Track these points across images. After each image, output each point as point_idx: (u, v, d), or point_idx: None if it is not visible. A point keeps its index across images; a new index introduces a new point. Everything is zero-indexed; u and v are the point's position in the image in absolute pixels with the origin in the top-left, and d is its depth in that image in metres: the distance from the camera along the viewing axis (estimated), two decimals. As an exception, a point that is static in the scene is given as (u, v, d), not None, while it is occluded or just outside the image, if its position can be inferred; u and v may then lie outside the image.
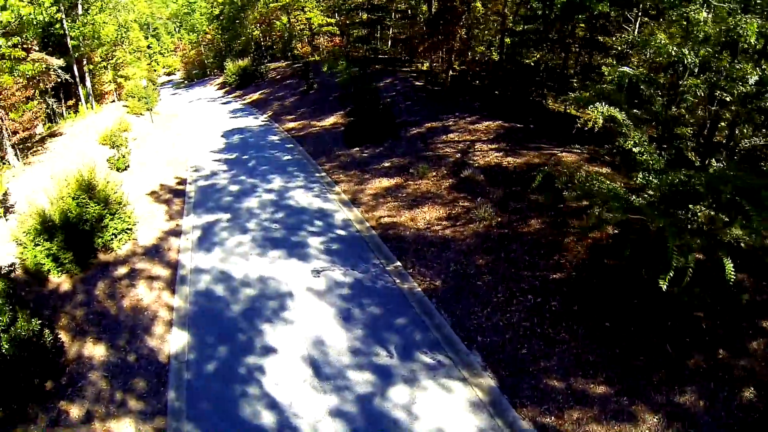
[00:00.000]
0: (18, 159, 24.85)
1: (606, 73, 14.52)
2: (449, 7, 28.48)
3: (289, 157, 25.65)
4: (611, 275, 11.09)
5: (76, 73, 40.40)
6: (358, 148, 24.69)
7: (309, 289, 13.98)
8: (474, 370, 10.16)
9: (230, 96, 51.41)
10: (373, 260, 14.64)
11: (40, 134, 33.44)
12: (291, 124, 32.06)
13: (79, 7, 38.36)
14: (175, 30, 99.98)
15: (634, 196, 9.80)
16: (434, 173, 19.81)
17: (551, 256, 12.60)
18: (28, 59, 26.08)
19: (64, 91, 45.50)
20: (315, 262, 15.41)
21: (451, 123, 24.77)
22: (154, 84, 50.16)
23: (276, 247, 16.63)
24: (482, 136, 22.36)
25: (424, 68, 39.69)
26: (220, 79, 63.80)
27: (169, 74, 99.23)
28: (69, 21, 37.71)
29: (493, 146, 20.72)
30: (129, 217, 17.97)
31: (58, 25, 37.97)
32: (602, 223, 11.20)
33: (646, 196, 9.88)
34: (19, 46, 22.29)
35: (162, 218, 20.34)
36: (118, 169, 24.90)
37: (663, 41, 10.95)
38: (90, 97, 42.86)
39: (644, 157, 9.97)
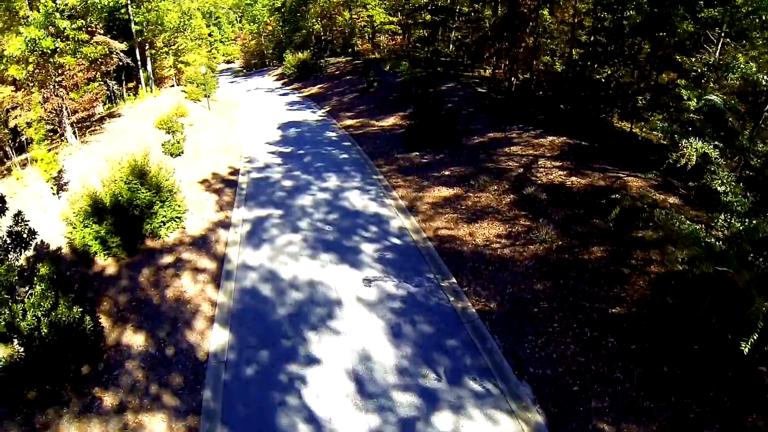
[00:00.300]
0: (76, 137, 24.64)
1: (686, 97, 13.17)
2: (516, 13, 26.73)
3: (346, 155, 24.51)
4: (673, 315, 10.48)
5: (138, 57, 40.63)
6: (417, 153, 23.34)
7: (359, 298, 13.12)
8: (523, 403, 9.53)
9: (288, 88, 50.95)
10: (427, 274, 13.90)
11: (99, 114, 33.56)
12: (349, 122, 30.96)
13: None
14: (236, 20, 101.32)
15: (716, 241, 8.85)
16: (495, 187, 18.61)
17: (611, 288, 11.90)
18: (92, 42, 25.96)
19: (126, 74, 46.04)
20: (367, 271, 14.47)
21: (514, 135, 23.27)
22: (213, 71, 50.22)
23: (328, 251, 15.70)
24: (546, 151, 20.96)
25: (487, 74, 37.99)
26: (279, 70, 63.66)
27: (228, 62, 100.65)
28: (134, 6, 37.86)
29: (557, 163, 19.48)
30: (179, 206, 17.23)
31: (123, 10, 38.23)
32: (688, 271, 10.00)
33: (729, 244, 8.92)
34: (84, 29, 21.95)
35: (212, 208, 19.60)
36: (171, 155, 24.34)
37: (751, 67, 9.70)
38: (150, 81, 43.10)
39: (728, 198, 9.27)
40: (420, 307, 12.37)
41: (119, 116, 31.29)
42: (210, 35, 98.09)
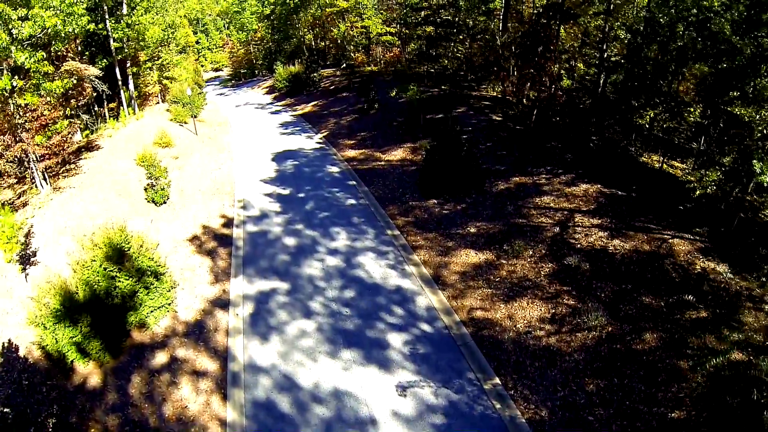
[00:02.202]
0: (47, 183, 21.69)
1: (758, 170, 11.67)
2: (539, 33, 24.11)
3: (353, 201, 21.78)
4: (733, 417, 9.34)
5: (119, 76, 37.52)
6: (435, 201, 20.72)
7: (395, 413, 11.05)
8: None
9: (280, 104, 48.05)
10: (467, 374, 12.15)
11: (78, 142, 30.56)
12: (351, 152, 28.19)
13: (124, 6, 35.35)
14: (224, 26, 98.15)
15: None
16: (531, 252, 16.44)
17: (669, 386, 11.02)
18: (61, 71, 22.96)
19: (106, 93, 42.90)
20: (399, 373, 12.20)
21: (543, 181, 20.80)
22: (200, 87, 47.16)
23: (350, 345, 13.24)
24: (581, 204, 18.77)
25: (495, 94, 35.40)
26: (269, 82, 60.69)
27: (216, 70, 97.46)
28: (112, 21, 34.76)
29: (596, 221, 17.47)
30: (168, 290, 14.41)
31: (101, 25, 35.12)
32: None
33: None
34: (49, 60, 19.00)
35: (206, 278, 16.88)
36: (155, 203, 21.45)
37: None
38: (132, 101, 40.01)
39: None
40: (465, 420, 10.82)
41: (97, 148, 28.27)
42: (197, 42, 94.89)
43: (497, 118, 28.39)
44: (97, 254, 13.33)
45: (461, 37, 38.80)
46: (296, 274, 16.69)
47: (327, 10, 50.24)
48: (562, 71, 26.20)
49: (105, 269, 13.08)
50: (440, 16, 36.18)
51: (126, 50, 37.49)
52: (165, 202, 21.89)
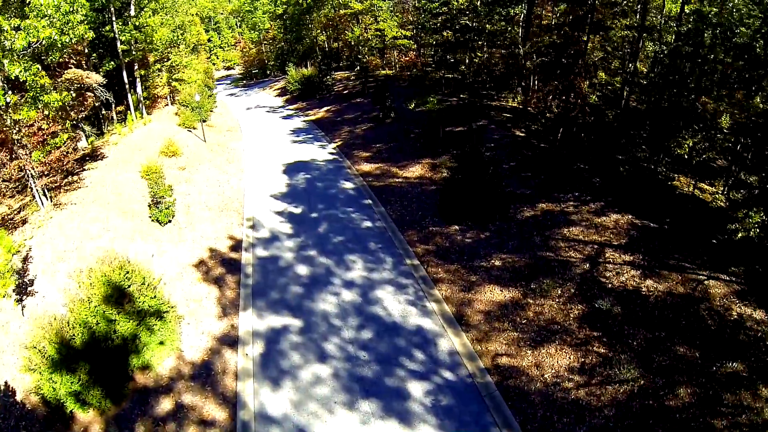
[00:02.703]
0: (47, 199, 20.53)
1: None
2: (569, 52, 22.55)
3: (369, 223, 20.46)
4: None
5: (126, 79, 36.39)
6: (457, 227, 19.37)
7: None
8: None
9: (291, 107, 46.76)
10: (492, 429, 11.19)
11: (83, 149, 29.49)
12: (366, 166, 26.82)
13: (132, 7, 34.15)
14: (236, 24, 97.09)
15: None
16: (559, 291, 15.31)
17: None
18: (62, 78, 21.76)
19: (115, 96, 41.82)
20: (421, 428, 11.21)
21: (570, 208, 19.47)
22: (210, 89, 45.94)
23: (368, 395, 12.15)
24: (612, 237, 17.52)
25: (515, 104, 33.89)
26: (281, 83, 59.45)
27: (228, 68, 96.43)
28: (119, 24, 33.59)
29: (628, 257, 16.32)
30: (173, 329, 13.17)
31: (108, 27, 34.00)
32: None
33: None
34: (50, 70, 17.80)
35: (213, 311, 15.71)
36: (160, 222, 20.22)
37: None
38: (140, 104, 38.86)
39: None
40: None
41: (102, 157, 27.13)
42: (209, 41, 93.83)
43: (520, 134, 26.94)
44: (95, 294, 12.11)
45: (480, 43, 37.24)
46: (310, 309, 15.42)
47: (341, 11, 48.82)
48: (588, 88, 24.60)
49: (103, 312, 11.84)
50: (459, 21, 34.62)
51: (134, 53, 36.36)
52: (170, 221, 20.66)
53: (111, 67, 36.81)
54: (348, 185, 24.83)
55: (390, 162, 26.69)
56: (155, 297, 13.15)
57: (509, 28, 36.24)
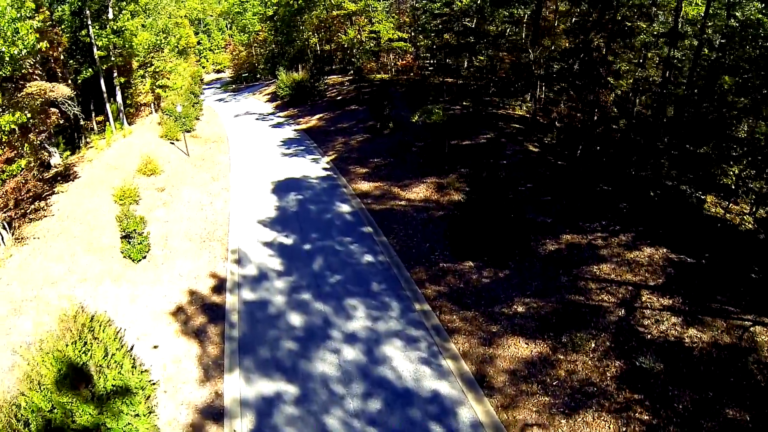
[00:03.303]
0: (8, 232, 18.07)
1: None
2: (592, 61, 20.30)
3: (370, 257, 18.12)
4: None
5: (104, 88, 33.83)
6: (471, 263, 17.07)
7: None
8: None
9: (282, 114, 44.28)
10: None
11: (56, 166, 27.08)
12: (364, 185, 24.47)
13: (110, 10, 31.58)
14: (226, 26, 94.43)
15: None
16: (593, 343, 13.27)
17: None
18: (23, 93, 19.27)
19: (95, 104, 39.23)
20: None
21: (599, 241, 17.32)
22: (196, 96, 43.37)
23: None
24: (647, 276, 15.45)
25: (522, 113, 31.64)
26: (271, 88, 56.95)
27: (218, 71, 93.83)
28: (96, 27, 31.02)
29: (666, 301, 14.41)
30: (145, 410, 10.78)
31: (84, 32, 31.43)
32: None
33: None
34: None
35: (193, 374, 13.47)
36: (133, 259, 17.78)
37: None
38: (121, 114, 36.28)
39: None
40: None
41: (74, 177, 24.64)
42: (199, 43, 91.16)
43: (534, 149, 24.68)
44: (46, 375, 9.73)
45: (484, 46, 34.96)
46: (306, 372, 13.08)
47: (334, 12, 46.38)
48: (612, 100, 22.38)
49: (52, 407, 9.45)
50: (462, 23, 32.34)
51: (113, 59, 33.77)
52: (145, 257, 18.21)
53: (89, 74, 34.27)
54: (344, 208, 22.44)
55: (390, 180, 24.32)
56: (121, 372, 10.72)
57: (516, 30, 34.01)
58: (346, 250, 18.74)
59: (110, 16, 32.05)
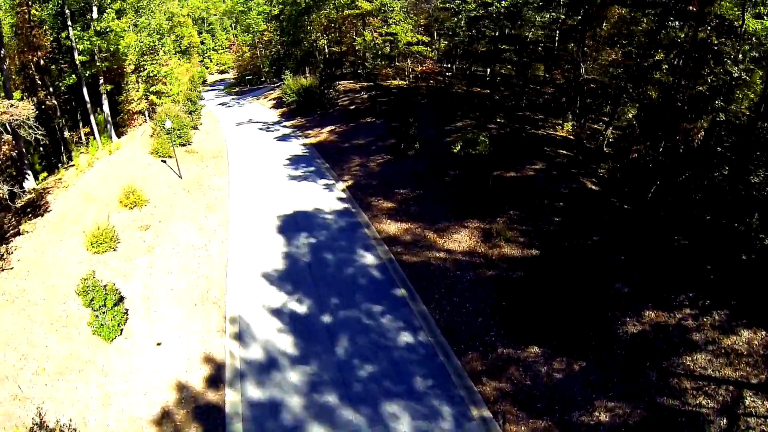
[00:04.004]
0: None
1: None
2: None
3: (408, 337, 14.20)
4: None
5: (87, 97, 29.79)
6: (537, 350, 13.32)
7: None
8: None
9: (288, 124, 40.20)
10: None
11: (30, 192, 23.21)
12: (390, 226, 20.47)
13: (94, 10, 27.51)
14: (230, 26, 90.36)
15: None
16: None
17: None
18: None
19: (82, 114, 35.14)
20: None
21: (689, 321, 13.75)
22: (194, 104, 39.25)
23: None
24: (749, 371, 12.15)
25: (565, 133, 27.58)
26: (276, 93, 52.85)
27: (222, 72, 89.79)
28: (78, 29, 26.95)
29: None
30: None
31: (64, 34, 27.40)
32: None
33: None
34: None
35: None
36: (102, 337, 13.76)
37: None
38: (108, 126, 32.18)
39: None
40: None
41: (45, 211, 20.68)
42: (202, 43, 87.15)
43: (591, 186, 20.68)
44: None
45: (521, 55, 30.91)
46: None
47: (345, 12, 42.20)
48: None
49: None
50: (499, 26, 28.30)
51: (98, 63, 29.70)
52: (121, 332, 14.18)
53: (73, 81, 30.25)
54: (369, 259, 18.40)
55: (423, 221, 20.27)
56: None
57: (554, 36, 29.95)
58: (378, 326, 14.72)
59: (94, 15, 27.94)
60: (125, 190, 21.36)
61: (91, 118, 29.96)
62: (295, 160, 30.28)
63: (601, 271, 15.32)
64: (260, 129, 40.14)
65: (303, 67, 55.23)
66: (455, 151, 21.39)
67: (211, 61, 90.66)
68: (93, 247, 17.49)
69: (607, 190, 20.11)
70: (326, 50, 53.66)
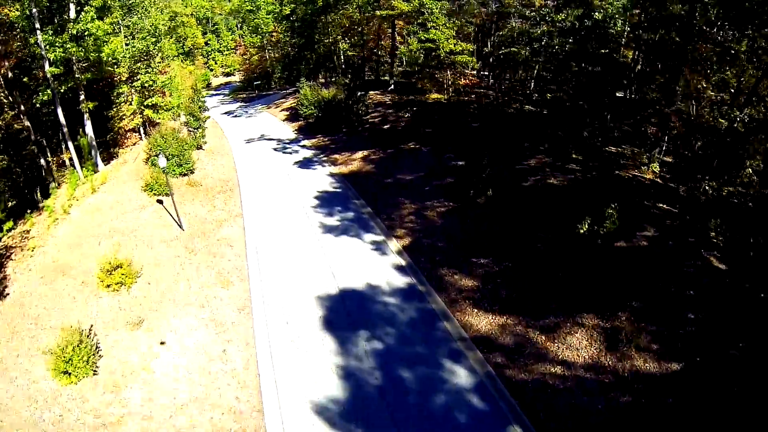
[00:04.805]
0: None
1: None
2: None
3: None
4: None
5: (62, 119, 23.63)
6: None
7: None
8: None
9: (308, 143, 34.24)
10: None
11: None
12: (479, 320, 14.73)
13: (72, 9, 21.34)
14: (236, 26, 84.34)
15: None
16: None
17: None
18: None
19: (68, 132, 28.88)
20: None
21: None
22: (196, 119, 33.08)
23: None
24: None
25: (652, 175, 21.68)
26: (289, 102, 46.86)
27: (227, 74, 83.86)
28: (49, 33, 20.77)
29: None
30: None
31: (33, 39, 21.24)
32: None
33: None
34: None
35: None
36: None
37: None
38: (93, 151, 25.99)
39: None
40: None
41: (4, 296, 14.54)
42: (207, 44, 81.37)
43: (717, 264, 15.49)
44: None
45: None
46: None
47: (379, 12, 36.08)
48: None
49: None
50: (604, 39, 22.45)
51: (77, 75, 23.50)
52: None
53: (47, 97, 24.04)
54: (462, 377, 12.57)
55: (522, 313, 14.43)
56: None
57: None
58: None
59: (72, 14, 21.73)
60: (106, 265, 15.22)
61: (70, 145, 23.88)
62: (326, 201, 24.14)
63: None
64: (275, 149, 34.05)
65: (318, 72, 49.36)
66: (582, 231, 15.38)
67: (216, 63, 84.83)
68: (61, 375, 11.36)
69: (737, 269, 14.44)
70: (343, 55, 47.64)
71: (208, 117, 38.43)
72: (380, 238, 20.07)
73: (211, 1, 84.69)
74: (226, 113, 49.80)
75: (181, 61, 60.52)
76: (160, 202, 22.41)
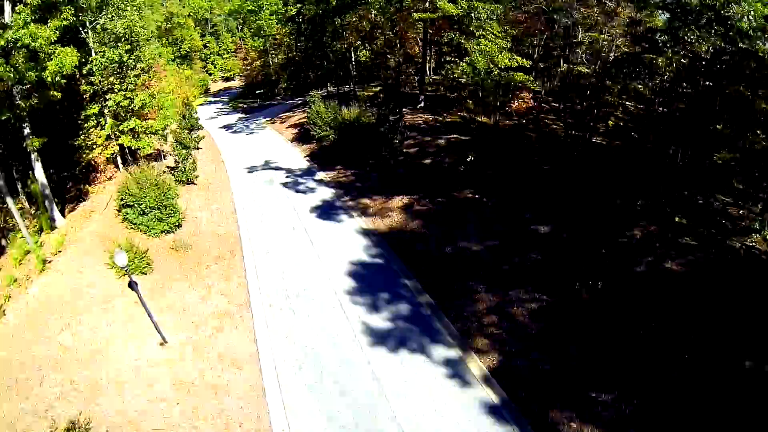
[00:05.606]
0: None
1: None
2: None
3: None
4: None
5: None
6: None
7: None
8: None
9: (326, 177, 27.77)
10: None
11: None
12: None
13: (6, 8, 14.62)
14: (237, 28, 77.81)
15: None
16: None
17: None
18: None
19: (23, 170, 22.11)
20: None
21: None
22: (186, 149, 26.38)
23: None
24: None
25: (765, 246, 15.23)
26: (297, 116, 40.39)
27: (227, 79, 77.81)
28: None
29: None
30: None
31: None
32: None
33: None
34: None
35: None
36: None
37: None
38: (47, 202, 19.17)
39: None
40: None
41: None
42: (205, 47, 76.48)
43: None
44: None
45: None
46: None
47: (415, 15, 29.46)
48: None
49: None
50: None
51: (18, 102, 16.75)
52: None
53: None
54: None
55: None
56: None
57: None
58: None
59: (6, 17, 14.98)
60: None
61: (9, 200, 16.98)
62: (364, 280, 17.59)
63: None
64: (285, 185, 27.42)
65: (327, 81, 42.97)
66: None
67: (215, 67, 78.36)
68: None
69: None
70: (357, 63, 41.18)
71: (203, 137, 31.75)
72: (454, 354, 13.59)
73: (210, 2, 78.31)
74: (224, 127, 43.37)
75: (177, 65, 54.25)
76: (132, 286, 15.62)
